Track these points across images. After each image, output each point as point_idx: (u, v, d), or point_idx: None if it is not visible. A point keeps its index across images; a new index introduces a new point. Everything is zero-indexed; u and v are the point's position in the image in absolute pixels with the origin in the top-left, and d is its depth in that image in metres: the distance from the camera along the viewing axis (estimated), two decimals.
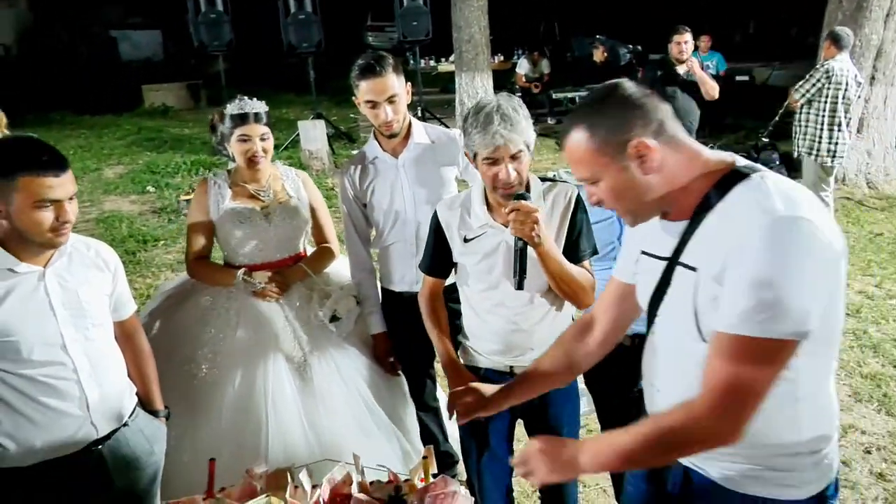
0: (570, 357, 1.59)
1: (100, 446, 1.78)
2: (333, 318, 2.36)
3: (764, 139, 6.83)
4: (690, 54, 5.49)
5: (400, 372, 2.58)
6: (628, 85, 1.23)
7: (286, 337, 2.36)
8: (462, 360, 2.07)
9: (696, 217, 1.20)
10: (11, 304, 1.61)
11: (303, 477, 1.56)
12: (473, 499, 1.45)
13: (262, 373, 2.28)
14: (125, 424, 1.85)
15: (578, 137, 1.24)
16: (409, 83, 2.34)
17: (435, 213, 2.04)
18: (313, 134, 7.80)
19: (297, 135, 8.33)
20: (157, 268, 5.52)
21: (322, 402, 2.31)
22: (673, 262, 1.24)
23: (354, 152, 8.83)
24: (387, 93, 2.23)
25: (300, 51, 9.10)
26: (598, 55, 10.36)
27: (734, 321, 1.10)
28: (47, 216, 1.59)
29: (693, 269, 1.21)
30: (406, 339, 2.46)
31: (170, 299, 2.50)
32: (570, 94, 10.04)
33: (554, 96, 10.51)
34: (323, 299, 2.40)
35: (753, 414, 1.13)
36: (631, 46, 11.90)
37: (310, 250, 2.60)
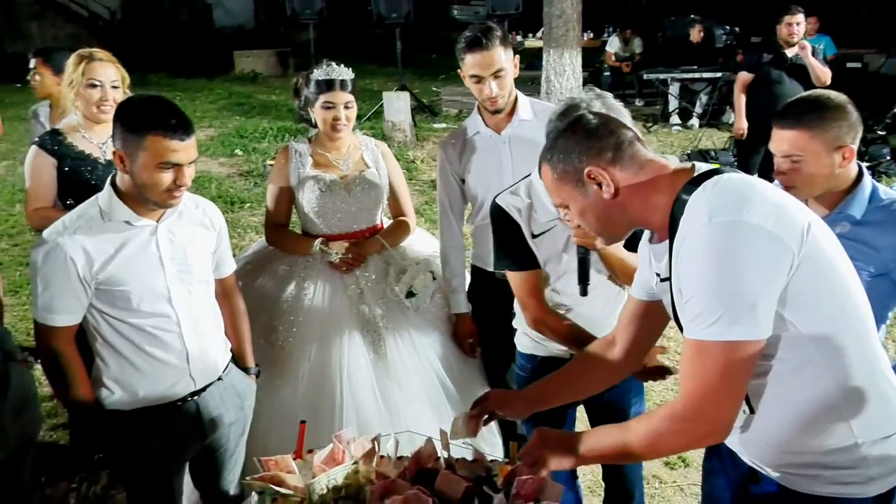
0: (592, 371, 1.60)
1: (196, 398, 1.85)
2: (409, 294, 2.33)
3: (879, 132, 6.31)
4: (801, 37, 5.08)
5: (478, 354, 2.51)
6: (586, 115, 1.33)
7: (361, 310, 2.35)
8: (519, 347, 2.05)
9: (671, 234, 1.23)
10: (126, 256, 1.68)
11: (389, 447, 1.55)
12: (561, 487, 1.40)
13: (337, 345, 2.28)
14: (219, 379, 1.91)
15: (544, 169, 1.36)
16: (517, 56, 2.25)
17: (497, 203, 1.88)
18: (397, 105, 7.79)
19: (380, 105, 8.36)
20: (242, 229, 5.70)
21: (395, 378, 2.30)
22: (669, 280, 1.27)
23: (437, 126, 8.98)
24: (493, 67, 2.16)
25: (389, 21, 9.08)
26: (695, 35, 9.82)
27: (690, 327, 1.17)
28: (166, 177, 1.63)
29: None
30: (490, 320, 2.39)
31: (248, 265, 2.53)
32: (661, 76, 9.57)
33: (645, 77, 10.06)
34: (399, 274, 2.37)
35: (733, 413, 1.19)
36: (728, 28, 11.22)
37: (386, 223, 2.56)
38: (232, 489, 2.09)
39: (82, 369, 1.75)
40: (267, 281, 2.43)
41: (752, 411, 1.27)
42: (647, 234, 1.40)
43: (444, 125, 8.99)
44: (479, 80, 2.18)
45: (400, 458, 1.61)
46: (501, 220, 1.86)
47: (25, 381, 1.86)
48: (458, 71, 2.28)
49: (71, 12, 16.65)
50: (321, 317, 2.32)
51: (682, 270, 1.18)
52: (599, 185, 1.27)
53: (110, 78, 2.48)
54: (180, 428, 1.84)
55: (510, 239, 1.85)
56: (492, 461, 1.58)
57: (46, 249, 1.63)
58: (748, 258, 1.10)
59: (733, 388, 1.16)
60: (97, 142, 2.54)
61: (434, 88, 11.33)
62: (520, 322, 2.03)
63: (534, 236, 1.84)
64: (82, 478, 2.09)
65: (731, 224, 1.11)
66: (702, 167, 1.26)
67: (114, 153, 1.65)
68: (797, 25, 5.00)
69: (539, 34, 11.64)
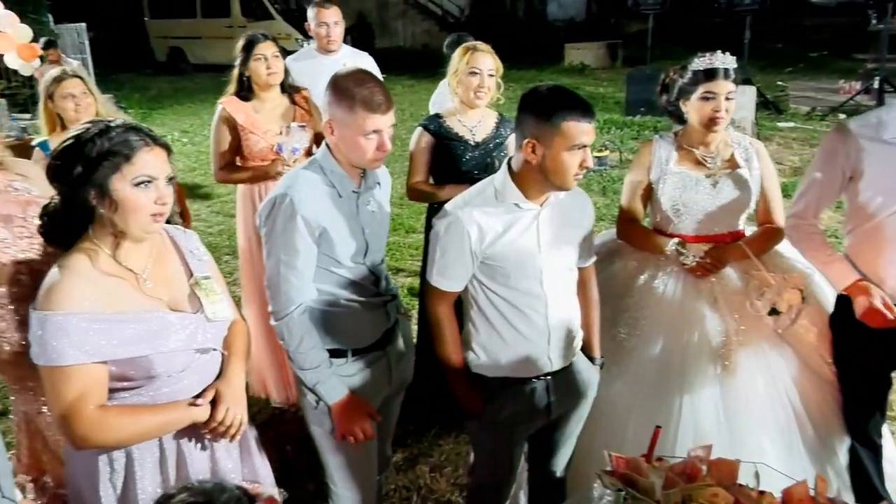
0: None
1: (548, 378, 1.93)
2: (772, 312, 2.08)
3: None
4: None
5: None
6: None
7: (713, 320, 2.19)
8: None
9: None
10: (511, 235, 1.80)
11: (749, 476, 1.43)
12: None
13: (682, 352, 2.17)
14: (570, 364, 1.96)
15: None
16: None
17: None
18: (740, 101, 7.02)
19: None
20: None
21: (743, 398, 2.11)
22: None
23: (783, 125, 8.03)
24: None
25: (739, 8, 8.36)
26: None
27: None
28: (575, 160, 1.71)
29: None
30: (865, 350, 2.04)
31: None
32: None
33: None
34: (762, 288, 2.13)
35: None
36: None
37: (747, 230, 2.33)
38: (559, 471, 2.14)
39: (457, 332, 1.93)
40: (613, 275, 2.41)
41: None
42: None
43: (791, 124, 8.01)
44: None
45: (762, 492, 1.45)
46: None
47: (407, 332, 2.13)
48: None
49: (428, 11, 18.85)
50: (668, 319, 2.22)
51: None
52: None
53: (488, 67, 2.69)
54: (530, 403, 1.92)
55: None
56: None
57: (448, 221, 1.81)
58: None
59: None
60: (469, 125, 2.79)
61: (779, 83, 10.16)
62: None
63: None
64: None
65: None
66: None
67: (527, 143, 1.74)
68: None
69: None
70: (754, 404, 2.11)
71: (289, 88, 3.05)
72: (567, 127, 1.67)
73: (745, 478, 1.54)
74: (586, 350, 2.06)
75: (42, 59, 7.24)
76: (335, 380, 1.84)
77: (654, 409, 2.14)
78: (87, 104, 2.81)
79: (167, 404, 1.49)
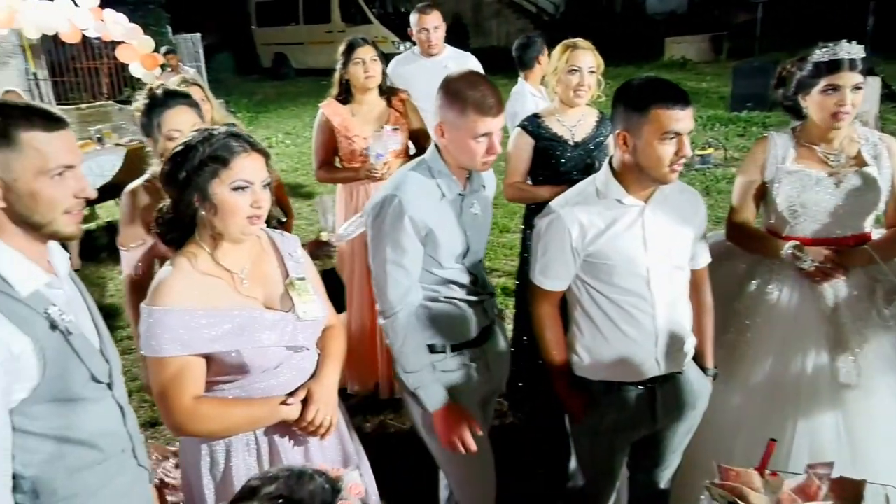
0: None
1: (655, 384, 1.86)
2: None
3: None
4: None
5: None
6: None
7: (834, 329, 2.04)
8: None
9: None
10: (614, 232, 1.76)
11: (878, 499, 1.32)
12: None
13: (799, 361, 2.04)
14: (680, 372, 1.89)
15: None
16: None
17: None
18: (865, 92, 6.61)
19: None
20: None
21: (866, 413, 1.97)
22: None
23: None
24: None
25: None
26: None
27: None
28: (669, 149, 1.65)
29: None
30: None
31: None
32: None
33: None
34: (891, 294, 1.97)
35: None
36: None
37: (874, 233, 2.15)
38: (663, 483, 2.07)
39: (561, 333, 1.91)
40: (721, 279, 2.28)
41: None
42: None
43: None
44: None
45: None
46: None
47: (503, 332, 2.12)
48: None
49: (522, 9, 18.72)
50: (783, 326, 2.09)
51: None
52: None
53: (588, 64, 2.64)
54: (634, 410, 1.87)
55: None
56: None
57: (550, 219, 1.80)
58: None
59: None
60: (568, 125, 2.74)
61: None
62: None
63: None
64: None
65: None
66: None
67: (618, 135, 1.71)
68: None
69: None
70: (878, 419, 1.95)
71: (387, 91, 3.11)
72: (657, 114, 1.61)
73: (872, 501, 1.44)
74: (698, 359, 1.97)
75: (162, 67, 7.78)
76: (437, 387, 1.84)
77: (765, 422, 2.03)
78: (205, 110, 2.99)
79: (259, 400, 1.55)
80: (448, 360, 1.90)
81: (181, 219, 1.52)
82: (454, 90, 1.74)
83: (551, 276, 1.83)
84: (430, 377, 1.84)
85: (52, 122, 1.23)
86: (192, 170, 1.45)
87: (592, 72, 2.65)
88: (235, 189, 1.47)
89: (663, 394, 1.86)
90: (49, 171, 1.21)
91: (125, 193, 2.24)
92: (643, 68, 13.48)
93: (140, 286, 1.98)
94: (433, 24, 3.62)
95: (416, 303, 1.84)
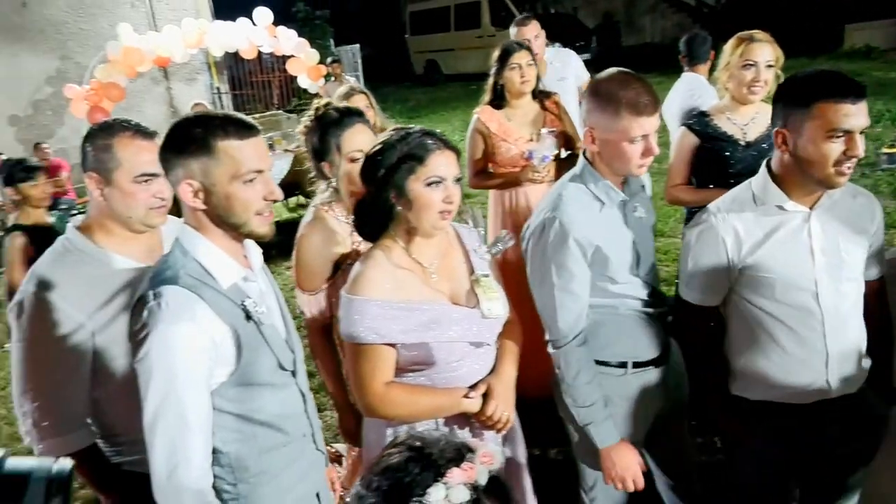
0: None
1: (825, 407, 1.69)
2: None
3: None
4: None
5: None
6: None
7: None
8: None
9: None
10: (776, 241, 1.62)
11: None
12: None
13: None
14: (854, 395, 1.70)
15: None
16: None
17: None
18: None
19: None
20: None
21: None
22: None
23: None
24: None
25: None
26: None
27: None
28: (836, 148, 1.49)
29: None
30: None
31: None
32: None
33: None
34: None
35: None
36: None
37: None
38: None
39: (715, 350, 1.78)
40: None
41: None
42: None
43: None
44: None
45: None
46: None
47: (679, 361, 1.94)
48: None
49: (679, 3, 17.80)
50: None
51: None
52: None
53: (766, 58, 2.45)
54: (801, 435, 1.70)
55: None
56: None
57: (701, 229, 1.69)
58: None
59: None
60: (740, 123, 2.56)
61: None
62: None
63: None
64: None
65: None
66: None
67: (776, 132, 1.57)
68: None
69: None
70: None
71: (539, 94, 3.10)
72: (821, 109, 1.45)
73: None
74: (876, 381, 1.76)
75: (326, 77, 8.34)
76: (609, 424, 1.74)
77: None
78: (370, 116, 3.14)
79: (444, 390, 1.60)
80: (627, 376, 1.79)
81: (377, 213, 1.60)
82: (605, 91, 1.64)
83: (702, 291, 1.72)
84: (602, 413, 1.73)
85: (244, 130, 1.33)
86: (390, 167, 1.53)
87: (770, 66, 2.46)
88: (430, 185, 1.52)
89: (835, 418, 1.68)
90: (242, 177, 1.32)
91: (299, 238, 2.05)
92: (817, 59, 12.29)
93: (328, 329, 2.05)
94: (533, 33, 3.72)
95: (584, 328, 1.75)
